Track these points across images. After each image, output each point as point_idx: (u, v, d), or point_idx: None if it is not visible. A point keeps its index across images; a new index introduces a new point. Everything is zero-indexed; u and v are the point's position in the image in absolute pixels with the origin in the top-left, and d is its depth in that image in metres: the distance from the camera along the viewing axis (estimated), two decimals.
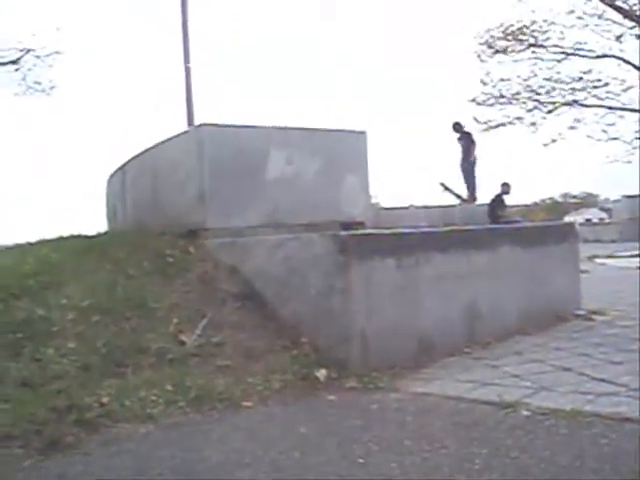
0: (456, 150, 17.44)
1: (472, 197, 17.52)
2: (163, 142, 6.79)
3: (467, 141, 17.33)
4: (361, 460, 2.79)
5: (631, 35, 25.15)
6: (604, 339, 5.04)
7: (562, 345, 4.89)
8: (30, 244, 7.19)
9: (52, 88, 22.84)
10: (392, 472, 2.63)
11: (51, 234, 7.56)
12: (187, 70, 16.36)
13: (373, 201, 11.90)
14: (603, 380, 3.82)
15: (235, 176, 5.95)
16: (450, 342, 4.75)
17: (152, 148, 7.11)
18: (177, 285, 5.09)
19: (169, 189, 6.56)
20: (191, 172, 6.05)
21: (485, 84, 27.02)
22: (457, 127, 17.44)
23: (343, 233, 4.51)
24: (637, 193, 24.69)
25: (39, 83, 22.36)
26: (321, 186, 6.50)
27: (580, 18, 24.86)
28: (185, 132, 6.56)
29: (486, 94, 27.08)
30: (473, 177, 17.47)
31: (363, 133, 6.94)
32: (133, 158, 7.88)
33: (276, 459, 2.85)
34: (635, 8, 24.65)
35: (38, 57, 21.66)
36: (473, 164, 17.30)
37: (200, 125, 6.23)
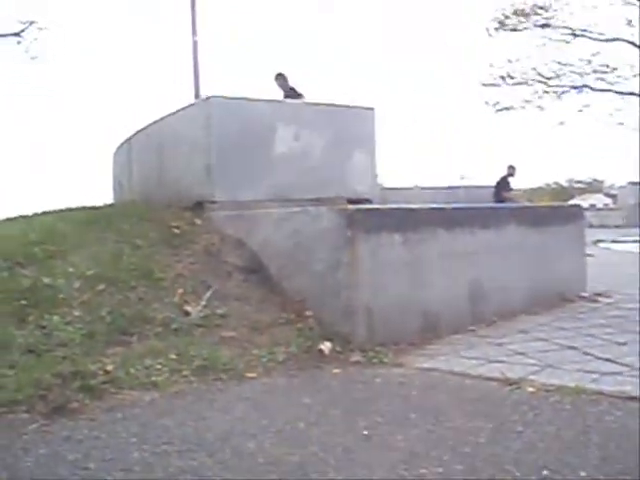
0: None
1: None
2: (171, 114, 6.76)
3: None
4: (366, 432, 2.79)
5: None
6: (608, 320, 5.04)
7: (567, 325, 4.88)
8: (36, 215, 7.18)
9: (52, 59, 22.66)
10: (397, 444, 2.63)
11: (57, 206, 7.55)
12: (194, 44, 16.24)
13: (378, 181, 11.40)
14: (607, 359, 3.81)
15: (243, 149, 5.92)
16: (455, 319, 4.75)
17: (159, 120, 7.08)
18: (183, 256, 5.09)
19: (176, 161, 6.53)
20: (199, 144, 6.02)
21: (492, 66, 26.88)
22: (281, 80, 11.70)
23: (350, 207, 4.49)
24: None
25: (35, 57, 22.25)
26: (328, 162, 6.47)
27: None
28: (193, 104, 6.52)
29: (494, 75, 26.96)
30: None
31: (371, 110, 6.90)
32: (140, 131, 7.85)
33: (281, 429, 2.85)
34: None
35: (40, 29, 21.53)
36: None
37: (208, 97, 6.19)
